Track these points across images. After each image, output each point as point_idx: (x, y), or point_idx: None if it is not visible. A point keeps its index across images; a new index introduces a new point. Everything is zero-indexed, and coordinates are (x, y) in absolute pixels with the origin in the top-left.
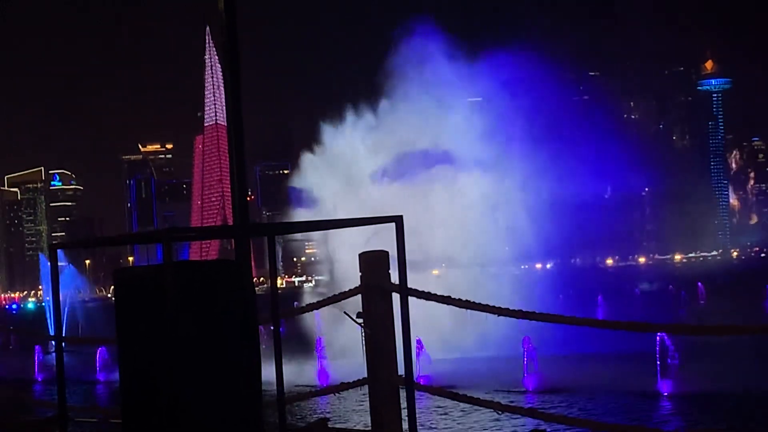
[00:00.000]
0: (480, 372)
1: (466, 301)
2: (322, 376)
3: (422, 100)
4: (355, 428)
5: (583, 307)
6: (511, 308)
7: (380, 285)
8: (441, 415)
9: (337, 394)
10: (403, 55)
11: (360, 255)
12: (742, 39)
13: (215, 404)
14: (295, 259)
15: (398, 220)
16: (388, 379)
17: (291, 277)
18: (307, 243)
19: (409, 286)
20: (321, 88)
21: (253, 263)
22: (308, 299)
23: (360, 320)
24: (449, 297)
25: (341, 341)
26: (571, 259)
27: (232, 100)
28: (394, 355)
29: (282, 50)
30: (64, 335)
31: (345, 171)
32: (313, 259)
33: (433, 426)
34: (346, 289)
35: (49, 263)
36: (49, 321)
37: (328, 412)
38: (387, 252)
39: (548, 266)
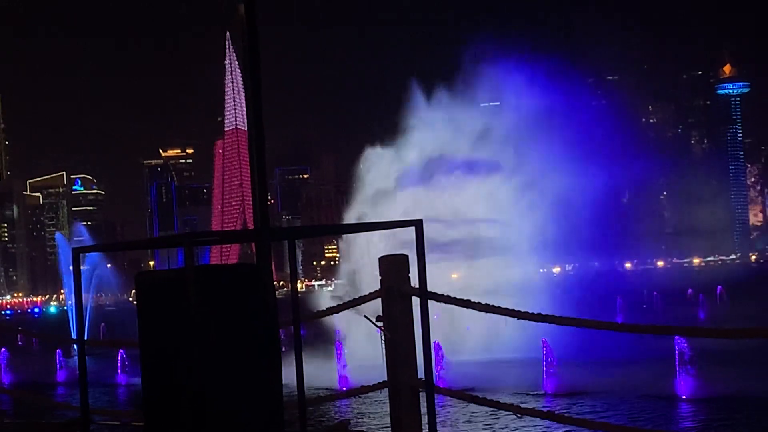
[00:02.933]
0: (499, 375)
1: (486, 304)
2: (343, 379)
3: (442, 106)
4: (376, 431)
5: (601, 310)
6: (529, 312)
7: (400, 288)
8: (462, 418)
9: (357, 398)
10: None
11: (380, 259)
12: (761, 43)
13: (237, 407)
14: (314, 263)
15: (418, 224)
16: (408, 383)
17: (311, 280)
18: (326, 247)
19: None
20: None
21: (273, 267)
22: (328, 303)
23: (380, 324)
24: (469, 300)
25: (362, 345)
26: (590, 263)
27: (253, 104)
28: (414, 359)
29: (300, 54)
30: (85, 338)
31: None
32: (332, 263)
33: (452, 428)
34: (366, 293)
35: (71, 267)
36: (71, 324)
37: (349, 416)
38: (407, 256)
39: (567, 269)
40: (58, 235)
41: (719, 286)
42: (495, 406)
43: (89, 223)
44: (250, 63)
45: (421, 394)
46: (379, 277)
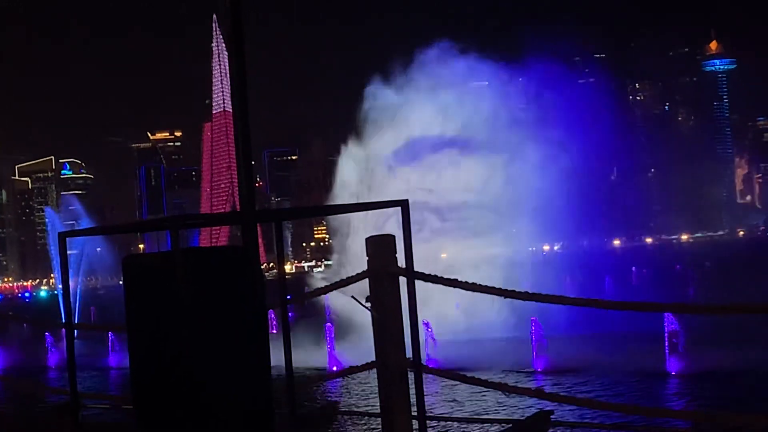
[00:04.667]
0: (489, 354)
1: (473, 283)
2: (333, 360)
3: (430, 86)
4: (365, 411)
5: (590, 287)
6: (517, 290)
7: (387, 269)
8: (449, 396)
9: (348, 378)
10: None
11: (367, 239)
12: (747, 20)
13: (225, 388)
14: (304, 244)
15: (404, 205)
16: (396, 363)
17: (301, 262)
18: (316, 228)
19: (417, 269)
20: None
21: (262, 249)
22: (317, 284)
23: (368, 304)
24: (456, 280)
25: (352, 325)
26: (579, 241)
27: (237, 85)
28: (401, 339)
29: (291, 37)
30: (75, 322)
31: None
32: (322, 244)
33: (441, 408)
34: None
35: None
36: (62, 308)
37: (340, 396)
38: (393, 236)
39: (556, 248)
40: (47, 209)
41: (707, 263)
42: (483, 384)
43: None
44: (234, 45)
45: (410, 373)
46: (366, 258)
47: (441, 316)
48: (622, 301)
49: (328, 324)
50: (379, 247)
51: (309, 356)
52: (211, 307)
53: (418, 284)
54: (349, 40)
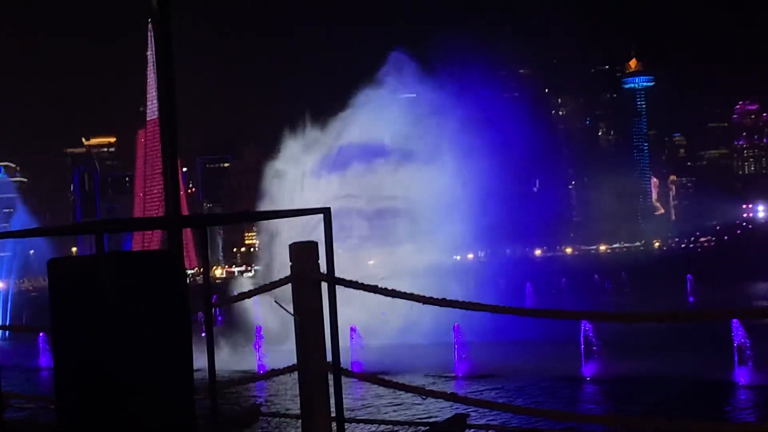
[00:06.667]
0: (413, 358)
1: (392, 290)
2: (260, 363)
3: (359, 97)
4: (287, 413)
5: (512, 296)
6: (438, 297)
7: (309, 274)
8: (370, 400)
9: (272, 381)
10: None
11: (290, 245)
12: (665, 39)
13: (147, 391)
14: (234, 250)
15: (326, 212)
16: (317, 366)
17: (231, 267)
18: (247, 234)
19: (344, 275)
20: (262, 87)
21: (194, 254)
22: (245, 289)
23: (290, 308)
24: (375, 286)
25: (278, 329)
26: (502, 250)
27: (165, 90)
28: (322, 343)
29: (225, 48)
30: (7, 323)
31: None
32: (252, 249)
33: (361, 411)
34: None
35: None
36: None
37: (263, 399)
38: (316, 242)
39: (480, 255)
40: None
41: (623, 273)
42: (400, 388)
43: (11, 209)
44: (162, 51)
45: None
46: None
47: (368, 322)
48: (537, 309)
49: (258, 326)
50: (302, 252)
51: (235, 359)
52: (134, 310)
53: (349, 291)
54: (283, 49)
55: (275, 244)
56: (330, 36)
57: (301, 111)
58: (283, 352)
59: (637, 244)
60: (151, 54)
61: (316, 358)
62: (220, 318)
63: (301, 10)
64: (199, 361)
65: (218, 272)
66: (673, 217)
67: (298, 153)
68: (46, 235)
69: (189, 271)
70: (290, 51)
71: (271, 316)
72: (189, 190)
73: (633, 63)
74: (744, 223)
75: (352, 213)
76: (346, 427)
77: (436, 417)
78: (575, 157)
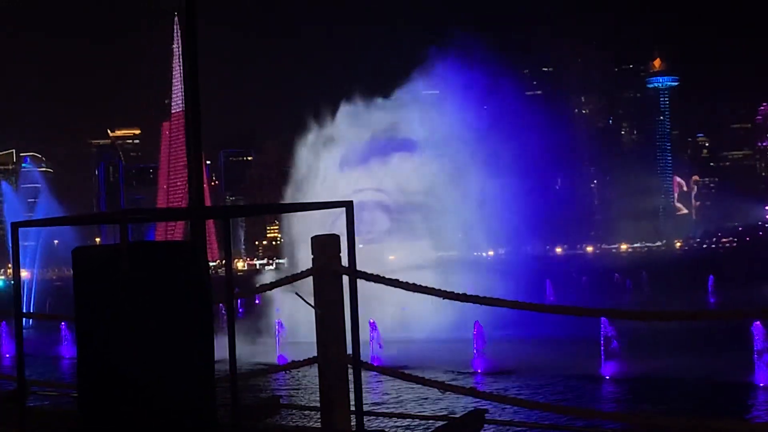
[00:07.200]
0: (432, 353)
1: (413, 284)
2: (281, 355)
3: (384, 93)
4: (306, 405)
5: (532, 292)
6: (456, 292)
7: (330, 267)
8: (390, 393)
9: (291, 373)
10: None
11: (312, 238)
12: (689, 38)
13: (169, 381)
14: (256, 243)
15: (348, 206)
16: (337, 359)
17: (253, 259)
18: (269, 227)
19: (364, 269)
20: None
21: (216, 245)
22: (267, 281)
23: (311, 301)
24: (397, 280)
25: (300, 322)
26: (522, 248)
27: (190, 82)
28: (343, 335)
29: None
30: (31, 311)
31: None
32: (274, 242)
33: (381, 404)
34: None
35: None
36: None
37: (284, 391)
38: (338, 235)
39: (500, 252)
40: (3, 183)
41: (643, 271)
42: (420, 382)
43: (37, 200)
44: (188, 45)
45: (350, 369)
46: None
47: (388, 316)
48: (558, 306)
49: (278, 320)
50: (324, 246)
51: (258, 351)
52: (157, 300)
53: (368, 285)
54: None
55: (299, 237)
56: (353, 35)
57: (323, 106)
58: (305, 344)
59: (659, 243)
60: (176, 47)
61: (336, 351)
62: (241, 310)
63: (329, 9)
64: (221, 351)
65: (240, 265)
66: (695, 217)
67: (320, 147)
68: (70, 224)
69: (211, 264)
70: (315, 49)
71: (291, 308)
72: (212, 183)
73: (657, 63)
74: (766, 225)
75: (375, 207)
76: (365, 419)
77: (456, 413)
78: (598, 155)
